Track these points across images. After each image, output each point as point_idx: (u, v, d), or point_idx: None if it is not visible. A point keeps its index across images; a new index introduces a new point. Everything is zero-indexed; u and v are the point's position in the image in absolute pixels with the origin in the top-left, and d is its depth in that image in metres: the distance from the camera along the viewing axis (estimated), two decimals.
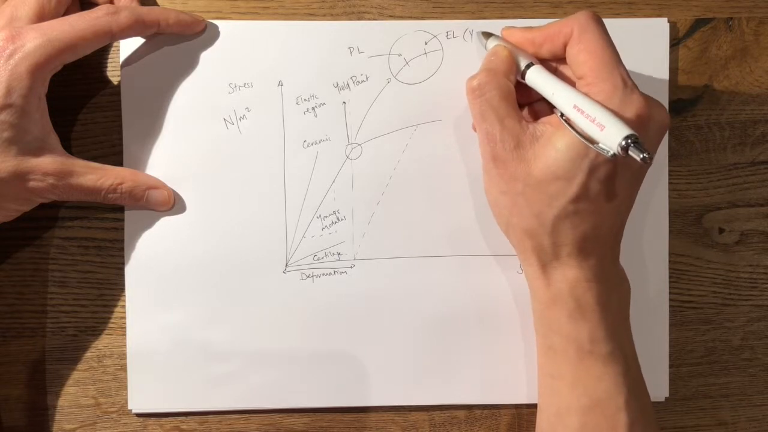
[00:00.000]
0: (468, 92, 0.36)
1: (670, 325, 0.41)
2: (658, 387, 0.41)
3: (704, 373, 0.42)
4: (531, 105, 0.38)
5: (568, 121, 0.33)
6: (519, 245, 0.36)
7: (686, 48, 0.42)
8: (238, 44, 0.40)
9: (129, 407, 0.40)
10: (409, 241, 0.41)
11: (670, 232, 0.41)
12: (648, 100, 0.33)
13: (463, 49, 0.40)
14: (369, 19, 0.41)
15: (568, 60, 0.35)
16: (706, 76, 0.42)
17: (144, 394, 0.40)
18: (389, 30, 0.40)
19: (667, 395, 0.41)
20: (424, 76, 0.41)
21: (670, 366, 0.42)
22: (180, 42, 0.40)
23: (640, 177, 0.36)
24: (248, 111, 0.40)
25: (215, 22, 0.40)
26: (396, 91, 0.40)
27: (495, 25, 0.40)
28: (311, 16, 0.41)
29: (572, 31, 0.34)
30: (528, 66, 0.36)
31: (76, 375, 0.41)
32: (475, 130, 0.38)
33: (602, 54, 0.33)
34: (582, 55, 0.34)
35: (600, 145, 0.31)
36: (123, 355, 0.40)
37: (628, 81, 0.33)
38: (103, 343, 0.41)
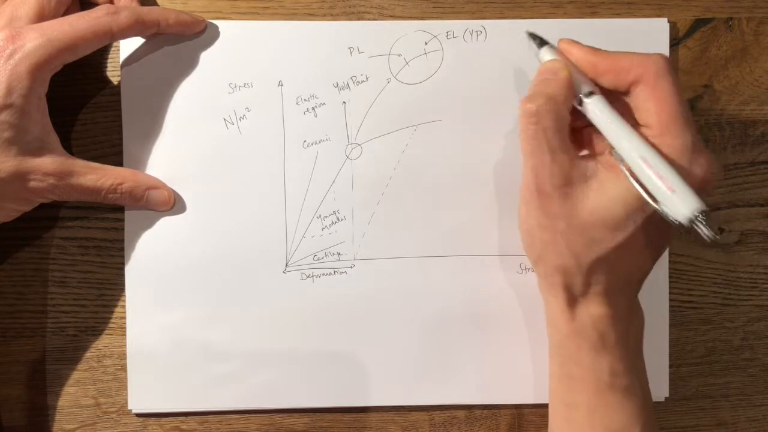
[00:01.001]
0: (523, 116, 0.33)
1: (670, 325, 0.41)
2: (658, 387, 0.41)
3: (704, 373, 0.42)
4: (579, 130, 0.36)
5: (629, 170, 0.31)
6: (547, 278, 0.35)
7: (686, 48, 0.42)
8: (238, 44, 0.40)
9: (129, 407, 0.40)
10: (409, 241, 0.41)
11: None
12: (711, 159, 0.32)
13: (463, 49, 0.40)
14: (369, 19, 0.41)
15: (634, 102, 0.33)
16: (706, 76, 0.42)
17: (144, 394, 0.40)
18: (389, 30, 0.40)
19: (667, 395, 0.41)
20: (424, 76, 0.41)
21: (670, 366, 0.42)
22: (180, 42, 0.40)
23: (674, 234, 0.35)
24: (248, 111, 0.40)
25: (215, 22, 0.40)
26: (396, 91, 0.40)
27: (494, 26, 0.40)
28: (311, 16, 0.41)
29: (645, 73, 0.32)
30: (588, 94, 0.33)
31: (76, 375, 0.41)
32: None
33: (676, 108, 0.32)
34: (652, 103, 0.32)
35: (663, 208, 0.30)
36: (123, 355, 0.40)
37: (697, 142, 0.32)
38: (103, 343, 0.41)
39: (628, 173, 0.32)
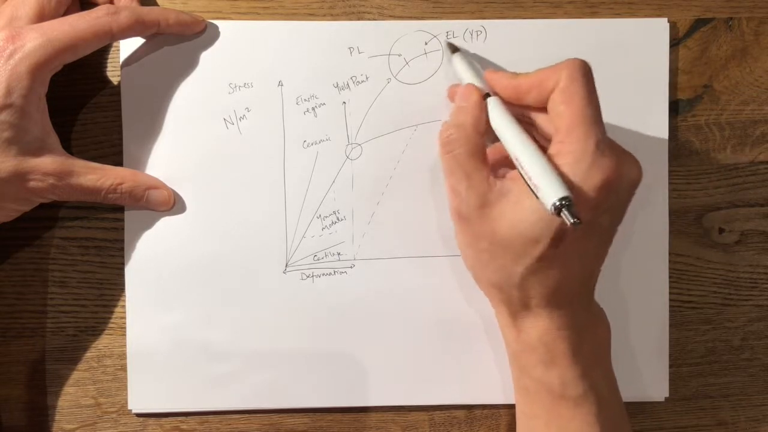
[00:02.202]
0: (439, 144, 0.36)
1: (670, 325, 0.41)
2: (658, 387, 0.41)
3: (704, 373, 0.42)
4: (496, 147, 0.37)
5: (515, 159, 0.33)
6: (488, 295, 0.37)
7: (686, 48, 0.42)
8: (238, 44, 0.40)
9: (129, 407, 0.40)
10: (409, 241, 0.41)
11: (670, 232, 0.41)
12: (618, 160, 0.32)
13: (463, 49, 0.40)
14: (369, 19, 0.41)
15: (549, 107, 0.34)
16: (706, 76, 0.42)
17: (144, 394, 0.40)
18: (389, 30, 0.40)
19: (667, 395, 0.41)
20: (424, 76, 0.41)
21: (670, 366, 0.42)
22: (180, 42, 0.40)
23: (610, 235, 0.35)
24: (248, 111, 0.40)
25: (215, 22, 0.40)
26: (396, 91, 0.40)
27: (494, 26, 0.40)
28: (311, 16, 0.41)
29: (559, 78, 0.33)
30: (486, 95, 0.35)
31: (76, 375, 0.41)
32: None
33: (582, 112, 0.32)
34: (562, 107, 0.33)
35: (537, 192, 0.31)
36: (123, 355, 0.40)
37: (601, 143, 0.32)
38: (103, 343, 0.41)
39: (519, 169, 0.32)
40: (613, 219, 0.34)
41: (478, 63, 0.39)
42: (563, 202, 0.29)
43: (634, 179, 0.34)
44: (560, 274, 0.33)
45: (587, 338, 0.35)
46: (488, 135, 0.36)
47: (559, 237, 0.32)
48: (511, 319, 0.35)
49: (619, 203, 0.34)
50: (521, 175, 0.32)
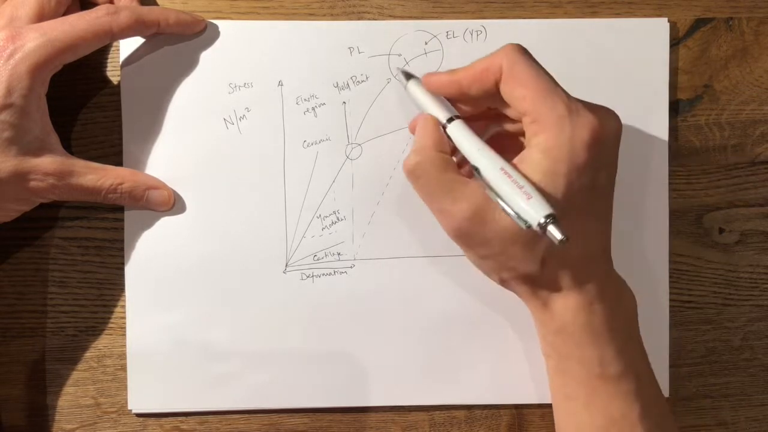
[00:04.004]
0: (407, 175, 0.35)
1: (670, 325, 0.41)
2: None
3: (704, 373, 0.42)
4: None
5: (488, 186, 0.32)
6: (516, 291, 0.36)
7: (686, 48, 0.42)
8: (238, 44, 0.40)
9: (129, 407, 0.40)
10: (409, 241, 0.41)
11: (670, 232, 0.41)
12: (597, 113, 0.32)
13: (463, 49, 0.40)
14: (369, 19, 0.41)
15: (505, 97, 0.34)
16: (706, 76, 0.42)
17: (144, 394, 0.40)
18: (389, 30, 0.40)
19: (667, 395, 0.41)
20: None
21: (670, 366, 0.42)
22: (180, 42, 0.40)
23: (610, 192, 0.35)
24: (248, 111, 0.40)
25: (215, 22, 0.40)
26: (396, 91, 0.40)
27: (494, 26, 0.40)
28: (311, 16, 0.41)
29: (501, 66, 0.33)
30: (449, 120, 0.35)
31: (75, 375, 0.41)
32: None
33: (537, 84, 0.32)
34: (518, 90, 0.33)
35: (520, 215, 0.30)
36: (123, 355, 0.40)
37: (571, 104, 0.32)
38: (103, 343, 0.41)
39: (487, 189, 0.32)
40: (608, 174, 0.34)
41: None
42: (548, 220, 0.29)
43: (616, 128, 0.33)
44: (579, 247, 0.33)
45: (619, 311, 0.35)
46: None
47: (564, 211, 0.32)
48: (543, 306, 0.35)
49: (610, 156, 0.34)
50: (493, 200, 0.32)
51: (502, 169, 0.32)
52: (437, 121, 0.35)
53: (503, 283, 0.36)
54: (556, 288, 0.34)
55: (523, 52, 0.33)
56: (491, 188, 0.32)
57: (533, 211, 0.30)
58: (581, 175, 0.31)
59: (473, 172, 0.34)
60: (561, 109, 0.32)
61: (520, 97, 0.33)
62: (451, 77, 0.35)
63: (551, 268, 0.34)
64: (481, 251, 0.34)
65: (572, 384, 0.35)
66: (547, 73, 0.33)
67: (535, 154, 0.32)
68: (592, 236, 0.34)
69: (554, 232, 0.29)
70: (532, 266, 0.34)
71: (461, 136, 0.34)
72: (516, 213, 0.30)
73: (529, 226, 0.30)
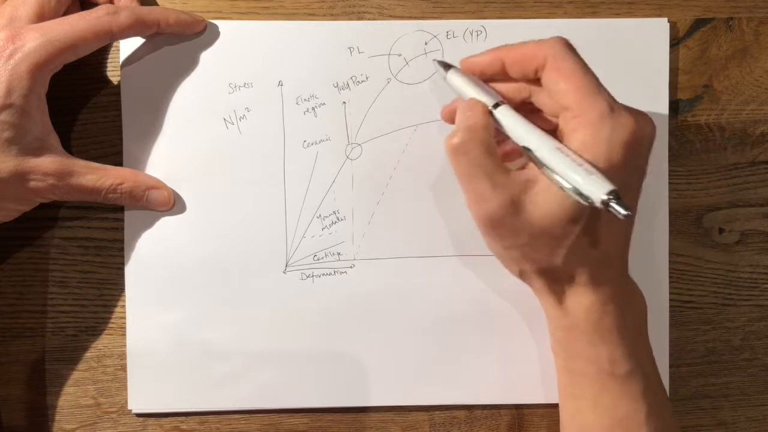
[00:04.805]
0: (449, 152, 0.34)
1: (670, 325, 0.41)
2: None
3: (704, 373, 0.42)
4: (508, 145, 0.37)
5: (539, 165, 0.32)
6: (535, 285, 0.36)
7: (686, 48, 0.42)
8: (238, 44, 0.40)
9: (129, 407, 0.40)
10: (409, 241, 0.41)
11: (670, 232, 0.41)
12: (636, 116, 0.33)
13: (463, 49, 0.40)
14: (369, 19, 0.41)
15: (546, 87, 0.34)
16: (706, 76, 0.42)
17: (144, 394, 0.40)
18: (389, 30, 0.40)
19: (667, 395, 0.41)
20: (424, 76, 0.41)
21: (670, 366, 0.42)
22: (180, 42, 0.40)
23: (637, 195, 0.35)
24: (248, 111, 0.40)
25: (215, 22, 0.40)
26: (396, 91, 0.40)
27: (494, 26, 0.40)
28: (311, 16, 0.41)
29: (546, 57, 0.33)
30: (495, 106, 0.34)
31: (75, 375, 0.41)
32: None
33: (583, 81, 0.33)
34: (561, 83, 0.33)
35: (581, 190, 0.30)
36: (123, 355, 0.40)
37: (614, 105, 0.32)
38: (103, 343, 0.41)
39: (541, 168, 0.32)
40: (640, 177, 0.34)
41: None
42: (611, 196, 0.29)
43: (651, 133, 0.34)
44: (602, 247, 0.34)
45: (630, 313, 0.35)
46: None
47: (596, 211, 0.32)
48: (557, 302, 0.35)
49: (643, 160, 0.34)
50: (549, 178, 0.32)
51: (558, 148, 0.32)
52: (485, 105, 0.35)
53: (522, 275, 0.36)
54: (572, 285, 0.34)
55: (570, 47, 0.34)
56: (546, 166, 0.32)
57: (594, 187, 0.30)
58: (615, 174, 0.31)
59: (523, 153, 0.34)
60: (603, 107, 0.32)
61: (563, 90, 0.33)
62: (494, 54, 0.35)
63: (572, 264, 0.34)
64: (507, 241, 0.34)
65: (580, 382, 0.35)
66: (591, 71, 0.33)
67: (573, 149, 0.32)
68: (615, 238, 0.34)
69: (617, 207, 0.29)
70: (554, 260, 0.34)
71: (511, 118, 0.34)
72: (575, 188, 0.30)
73: (591, 202, 0.30)
